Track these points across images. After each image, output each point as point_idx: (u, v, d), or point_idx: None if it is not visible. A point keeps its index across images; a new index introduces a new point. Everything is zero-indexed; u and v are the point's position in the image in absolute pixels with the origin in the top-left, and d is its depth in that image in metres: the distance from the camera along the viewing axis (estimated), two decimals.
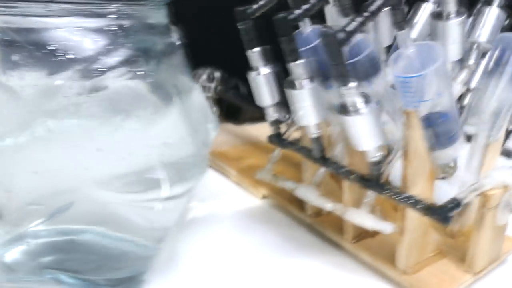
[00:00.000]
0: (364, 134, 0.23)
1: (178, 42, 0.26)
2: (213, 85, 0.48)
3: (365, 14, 0.21)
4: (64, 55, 0.21)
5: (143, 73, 0.23)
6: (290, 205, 0.33)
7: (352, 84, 0.22)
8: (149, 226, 0.24)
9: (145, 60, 0.23)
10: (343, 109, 0.23)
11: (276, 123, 0.30)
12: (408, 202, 0.24)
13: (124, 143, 0.22)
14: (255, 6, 0.27)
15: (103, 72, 0.21)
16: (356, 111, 0.22)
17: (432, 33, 0.25)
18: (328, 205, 0.28)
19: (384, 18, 0.25)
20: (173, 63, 0.26)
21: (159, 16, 0.25)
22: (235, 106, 0.48)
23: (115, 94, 0.22)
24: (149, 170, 0.23)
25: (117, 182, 0.22)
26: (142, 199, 0.24)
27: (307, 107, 0.25)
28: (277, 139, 0.31)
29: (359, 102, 0.22)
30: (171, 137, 0.24)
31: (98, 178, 0.22)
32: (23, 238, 0.23)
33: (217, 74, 0.47)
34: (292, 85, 0.25)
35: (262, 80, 0.28)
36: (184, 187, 0.25)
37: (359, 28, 0.21)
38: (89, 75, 0.21)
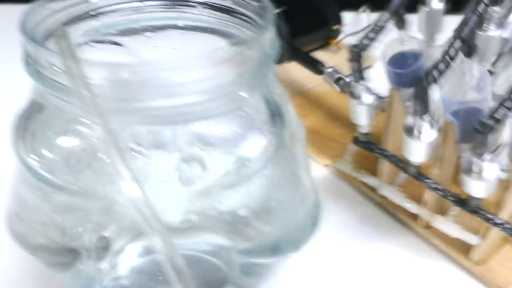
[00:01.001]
0: (483, 191, 0.26)
1: None
2: None
3: None
4: None
5: None
6: (363, 187, 0.36)
7: (487, 157, 0.24)
8: None
9: None
10: (468, 171, 0.25)
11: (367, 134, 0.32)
12: (502, 226, 0.28)
13: None
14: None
15: None
16: (480, 175, 0.25)
17: None
18: (414, 209, 0.32)
19: None
20: None
21: None
22: None
23: None
24: None
25: None
26: None
27: (422, 152, 0.27)
28: (367, 146, 0.32)
29: (486, 167, 0.24)
30: None
31: None
32: None
33: None
34: (411, 132, 0.26)
35: (364, 108, 0.29)
36: None
37: None
38: None
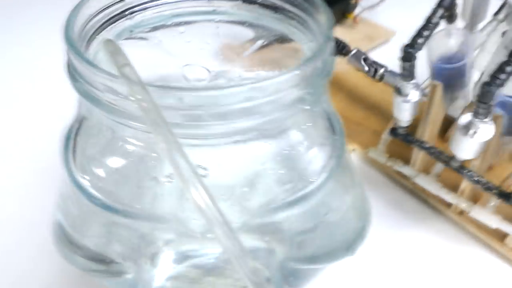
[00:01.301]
0: None
1: None
2: None
3: None
4: None
5: None
6: (394, 173, 0.36)
7: None
8: None
9: None
10: None
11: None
12: None
13: None
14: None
15: None
16: None
17: None
18: (452, 199, 0.32)
19: None
20: None
21: None
22: None
23: None
24: None
25: None
26: None
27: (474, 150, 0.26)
28: (406, 138, 0.32)
29: None
30: None
31: None
32: None
33: None
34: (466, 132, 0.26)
35: (409, 105, 0.28)
36: None
37: None
38: None
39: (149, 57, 0.29)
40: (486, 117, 0.24)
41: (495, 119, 0.26)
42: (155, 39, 0.28)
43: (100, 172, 0.21)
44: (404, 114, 0.29)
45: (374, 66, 0.40)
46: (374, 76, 0.36)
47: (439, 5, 0.26)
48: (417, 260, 0.32)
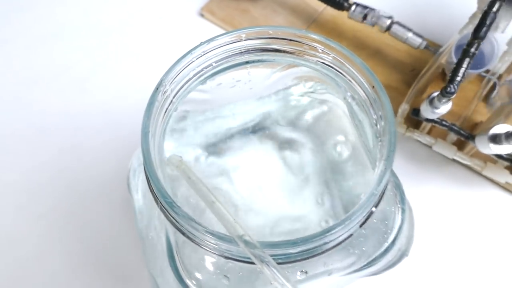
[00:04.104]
0: None
1: None
2: None
3: None
4: None
5: None
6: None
7: None
8: None
9: None
10: None
11: None
12: None
13: None
14: None
15: None
16: None
17: None
18: (467, 162, 0.36)
19: None
20: None
21: None
22: None
23: None
24: None
25: None
26: None
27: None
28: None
29: None
30: None
31: None
32: None
33: None
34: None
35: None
36: None
37: None
38: None
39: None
40: None
41: None
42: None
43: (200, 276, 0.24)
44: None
45: (380, 18, 0.39)
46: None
47: None
48: (440, 207, 0.37)
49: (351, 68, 0.25)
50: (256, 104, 0.32)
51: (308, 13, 0.46)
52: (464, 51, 0.27)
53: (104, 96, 0.42)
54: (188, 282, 0.24)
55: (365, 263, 0.24)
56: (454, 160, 0.37)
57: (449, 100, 0.29)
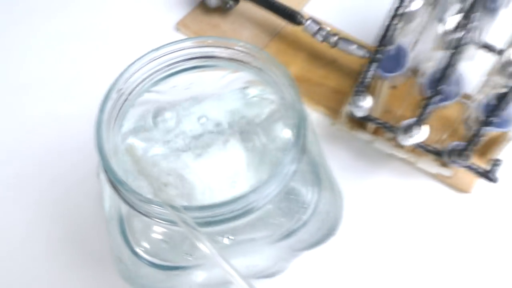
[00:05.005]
0: None
1: None
2: None
3: None
4: None
5: None
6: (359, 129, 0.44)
7: None
8: None
9: None
10: None
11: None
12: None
13: None
14: None
15: None
16: None
17: None
18: (402, 155, 0.40)
19: None
20: None
21: None
22: None
23: None
24: None
25: None
26: None
27: None
28: (366, 119, 0.39)
29: None
30: None
31: None
32: None
33: None
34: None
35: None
36: None
37: None
38: None
39: None
40: None
41: None
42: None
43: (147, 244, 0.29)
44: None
45: (328, 37, 0.45)
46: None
47: None
48: (379, 195, 0.41)
49: (276, 72, 0.30)
50: (218, 103, 0.37)
51: (273, 27, 0.51)
52: (372, 58, 0.33)
53: (87, 101, 0.47)
54: (138, 250, 0.29)
55: (286, 233, 0.29)
56: (392, 155, 0.42)
57: (365, 98, 0.33)
